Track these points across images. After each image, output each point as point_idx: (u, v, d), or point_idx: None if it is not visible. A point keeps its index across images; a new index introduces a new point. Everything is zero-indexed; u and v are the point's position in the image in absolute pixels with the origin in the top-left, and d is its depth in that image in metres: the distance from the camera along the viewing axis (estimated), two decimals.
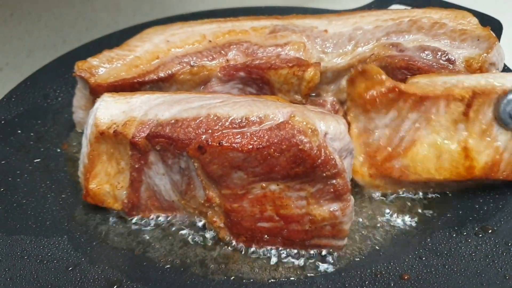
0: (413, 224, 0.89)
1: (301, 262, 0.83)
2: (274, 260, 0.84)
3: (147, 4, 1.59)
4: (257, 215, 0.80)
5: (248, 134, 0.74)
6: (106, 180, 0.87)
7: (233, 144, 0.74)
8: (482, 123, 0.86)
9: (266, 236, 0.82)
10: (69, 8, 1.42)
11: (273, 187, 0.78)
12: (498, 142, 0.86)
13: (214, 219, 0.84)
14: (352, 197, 0.78)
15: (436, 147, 0.89)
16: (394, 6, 1.35)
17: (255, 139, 0.74)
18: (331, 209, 0.77)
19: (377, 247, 0.86)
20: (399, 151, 0.89)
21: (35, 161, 1.01)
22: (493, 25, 1.22)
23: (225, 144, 0.74)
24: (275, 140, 0.74)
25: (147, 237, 0.88)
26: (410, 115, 0.88)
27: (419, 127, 0.88)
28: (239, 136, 0.74)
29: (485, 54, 0.93)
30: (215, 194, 0.81)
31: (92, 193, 0.87)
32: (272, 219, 0.80)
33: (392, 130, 0.89)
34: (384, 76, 0.87)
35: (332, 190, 0.76)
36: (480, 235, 0.84)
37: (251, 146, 0.74)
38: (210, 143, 0.75)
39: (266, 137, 0.74)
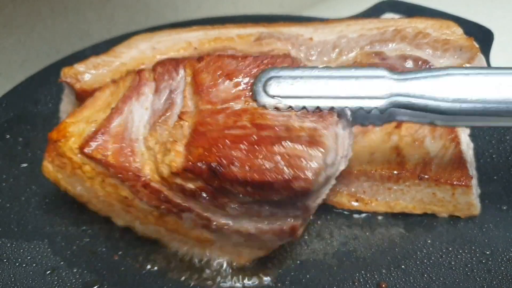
0: (393, 232, 0.89)
1: (278, 268, 0.83)
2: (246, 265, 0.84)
3: (140, 14, 1.60)
4: (229, 125, 0.75)
5: None
6: (85, 121, 0.86)
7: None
8: (414, 136, 0.92)
9: (227, 146, 0.72)
10: (62, 19, 1.43)
11: None
12: (429, 150, 0.90)
13: (176, 142, 0.76)
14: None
15: (370, 147, 0.91)
16: (387, 15, 1.36)
17: None
18: (313, 126, 0.72)
19: (356, 255, 0.85)
20: None
21: (22, 165, 1.02)
22: (484, 34, 1.22)
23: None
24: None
25: (127, 243, 0.88)
26: None
27: (356, 136, 0.91)
28: None
29: (466, 65, 0.93)
30: (192, 108, 0.79)
31: (63, 126, 0.85)
32: (244, 127, 0.74)
33: None
34: None
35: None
36: (460, 246, 0.84)
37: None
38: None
39: None
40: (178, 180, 0.74)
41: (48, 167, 0.87)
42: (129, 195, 0.80)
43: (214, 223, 0.77)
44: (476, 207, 0.88)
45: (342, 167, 0.78)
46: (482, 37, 1.22)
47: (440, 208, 0.89)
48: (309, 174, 0.67)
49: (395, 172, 0.88)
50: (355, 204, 0.91)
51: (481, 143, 1.01)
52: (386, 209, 0.90)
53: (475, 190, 0.88)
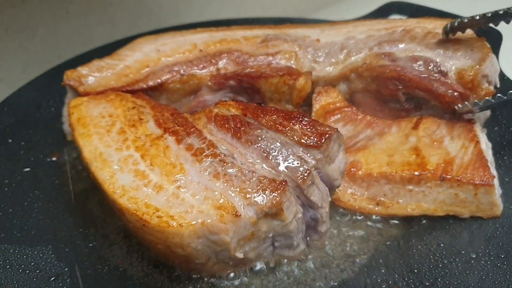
0: (406, 236, 0.87)
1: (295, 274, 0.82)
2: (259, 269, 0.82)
3: (142, 18, 1.59)
4: None
5: None
6: None
7: None
8: (432, 137, 0.91)
9: None
10: (64, 24, 1.42)
11: None
12: (448, 150, 0.89)
13: None
14: None
15: (388, 149, 0.90)
16: (393, 17, 1.34)
17: None
18: None
19: (368, 259, 0.83)
20: (351, 150, 0.91)
21: (25, 170, 1.00)
22: (493, 36, 1.21)
23: None
24: None
25: (134, 248, 0.86)
26: (364, 130, 0.95)
27: (372, 138, 0.93)
28: None
29: (477, 66, 0.91)
30: None
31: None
32: None
33: (347, 138, 0.94)
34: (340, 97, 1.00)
35: None
36: (474, 249, 0.82)
37: None
38: None
39: None
40: None
41: None
42: None
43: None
44: (498, 207, 0.86)
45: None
46: (490, 38, 1.20)
47: (463, 209, 0.86)
48: None
49: (416, 173, 0.86)
50: (376, 207, 0.89)
51: (492, 144, 0.99)
52: (407, 212, 0.88)
53: (497, 189, 0.86)
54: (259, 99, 0.99)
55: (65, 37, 1.46)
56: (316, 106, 0.99)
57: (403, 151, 0.90)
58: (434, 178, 0.86)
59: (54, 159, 1.04)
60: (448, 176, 0.85)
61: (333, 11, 2.00)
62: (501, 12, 0.84)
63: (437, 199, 0.87)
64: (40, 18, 1.38)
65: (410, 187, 0.87)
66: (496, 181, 0.86)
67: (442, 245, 0.84)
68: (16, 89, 1.19)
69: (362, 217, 0.90)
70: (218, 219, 0.69)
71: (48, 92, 1.19)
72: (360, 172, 0.89)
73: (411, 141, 0.91)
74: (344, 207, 0.90)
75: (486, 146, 0.90)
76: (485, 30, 1.15)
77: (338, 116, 0.97)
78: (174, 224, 0.69)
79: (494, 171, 0.88)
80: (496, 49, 1.17)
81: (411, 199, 0.88)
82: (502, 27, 1.23)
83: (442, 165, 0.86)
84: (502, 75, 1.13)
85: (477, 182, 0.84)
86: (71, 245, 0.86)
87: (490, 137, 0.99)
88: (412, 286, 0.78)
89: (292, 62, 0.98)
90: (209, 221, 0.69)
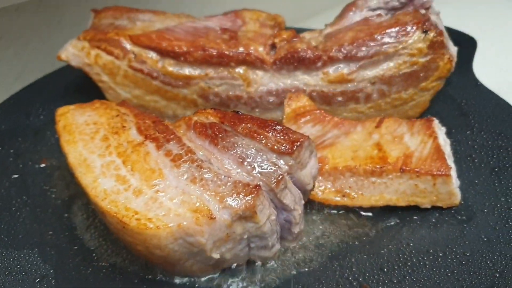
0: (376, 235, 0.90)
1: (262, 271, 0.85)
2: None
3: None
4: None
5: None
6: None
7: None
8: (393, 134, 0.98)
9: None
10: (58, 32, 1.46)
11: None
12: (408, 145, 0.95)
13: None
14: None
15: (353, 146, 0.97)
16: None
17: None
18: None
19: (339, 257, 0.86)
20: (319, 147, 0.98)
21: (13, 177, 1.04)
22: (467, 42, 1.25)
23: None
24: None
25: (117, 251, 0.89)
26: (332, 130, 1.01)
27: (339, 137, 0.99)
28: None
29: None
30: None
31: None
32: None
33: (315, 137, 1.00)
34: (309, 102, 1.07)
35: None
36: (441, 248, 0.85)
37: None
38: None
39: None
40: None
41: None
42: None
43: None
44: (456, 196, 0.91)
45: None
46: (465, 44, 1.24)
47: (423, 199, 0.92)
48: None
49: (378, 166, 0.92)
50: (342, 199, 0.94)
51: (464, 148, 1.03)
52: (372, 202, 0.93)
53: (455, 180, 0.92)
54: None
55: (59, 45, 1.48)
56: (287, 109, 1.06)
57: (366, 147, 0.96)
58: (395, 170, 0.91)
59: (42, 165, 1.07)
60: (407, 168, 0.91)
61: (326, 19, 2.03)
62: None
63: (398, 190, 0.92)
64: (33, 27, 1.41)
65: (373, 179, 0.93)
66: (453, 172, 0.91)
67: (411, 244, 0.87)
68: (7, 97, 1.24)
69: (332, 216, 0.94)
70: (194, 222, 0.73)
71: (38, 101, 1.23)
72: (326, 167, 0.94)
73: (374, 138, 0.98)
74: (312, 199, 0.95)
75: (444, 141, 0.96)
76: (459, 37, 1.19)
77: (308, 117, 1.03)
78: (152, 226, 0.73)
79: (451, 164, 0.93)
80: (470, 55, 1.21)
81: (375, 191, 0.93)
82: (476, 34, 1.28)
83: (402, 158, 0.92)
84: (476, 81, 1.17)
85: (435, 173, 0.89)
86: (57, 248, 0.90)
87: (462, 141, 1.03)
88: (381, 283, 0.81)
89: None
90: (185, 223, 0.73)
